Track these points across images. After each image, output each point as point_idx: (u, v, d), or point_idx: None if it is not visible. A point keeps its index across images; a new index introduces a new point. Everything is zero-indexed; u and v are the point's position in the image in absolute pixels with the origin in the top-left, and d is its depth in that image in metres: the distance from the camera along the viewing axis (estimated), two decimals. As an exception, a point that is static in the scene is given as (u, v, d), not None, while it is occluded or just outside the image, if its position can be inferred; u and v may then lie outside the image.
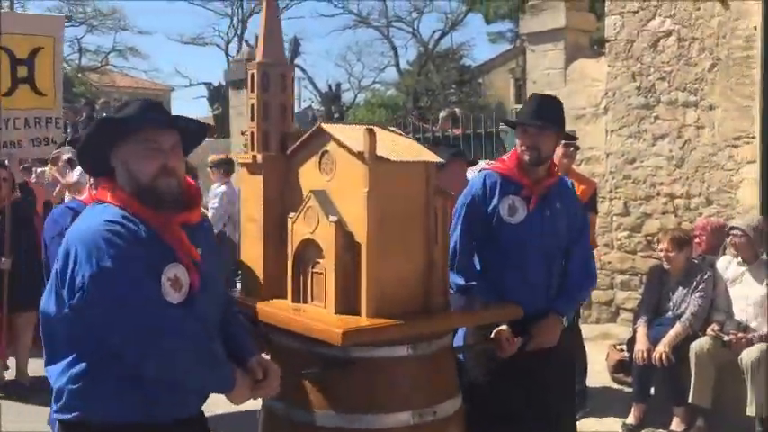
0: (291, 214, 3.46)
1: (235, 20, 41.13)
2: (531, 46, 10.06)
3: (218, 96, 27.54)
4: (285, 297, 3.52)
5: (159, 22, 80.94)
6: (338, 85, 36.34)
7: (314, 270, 3.39)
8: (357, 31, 39.46)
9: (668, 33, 8.71)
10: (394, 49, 40.14)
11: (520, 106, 16.78)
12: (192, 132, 2.96)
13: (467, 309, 3.76)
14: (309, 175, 3.49)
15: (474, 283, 3.94)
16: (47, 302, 2.76)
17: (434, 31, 39.27)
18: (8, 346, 7.16)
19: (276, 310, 3.44)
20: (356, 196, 3.22)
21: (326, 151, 3.40)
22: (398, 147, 3.38)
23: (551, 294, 4.12)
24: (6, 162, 6.85)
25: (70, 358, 2.71)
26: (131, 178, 2.78)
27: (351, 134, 3.35)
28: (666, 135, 8.74)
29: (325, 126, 3.41)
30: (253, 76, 3.61)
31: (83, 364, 2.69)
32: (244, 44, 35.94)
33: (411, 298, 3.33)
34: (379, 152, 3.19)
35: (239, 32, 40.79)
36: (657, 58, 8.81)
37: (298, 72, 35.54)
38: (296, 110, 5.17)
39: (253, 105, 3.61)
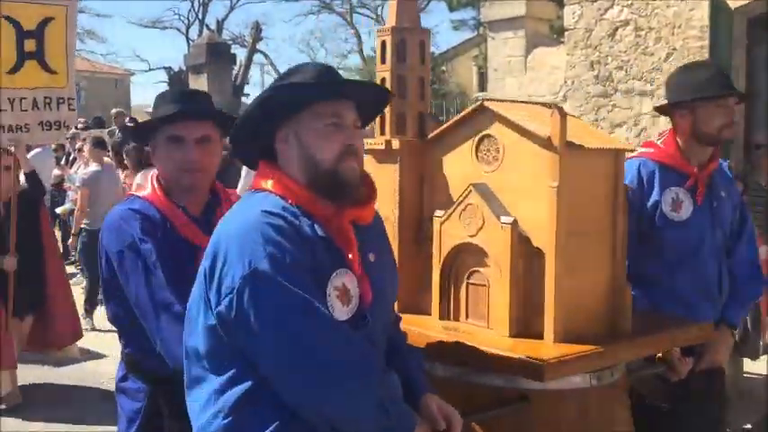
0: (438, 212, 2.52)
1: (195, 3, 37.31)
2: (492, 33, 9.28)
3: (178, 81, 24.92)
4: (423, 312, 2.60)
5: (117, 5, 73.98)
6: (301, 70, 34.11)
7: (470, 281, 2.47)
8: (321, 17, 36.64)
9: (626, 23, 8.16)
10: (358, 35, 37.07)
11: (482, 94, 15.80)
12: (367, 103, 2.11)
13: (657, 328, 2.69)
14: (460, 165, 2.53)
15: (633, 293, 2.94)
16: (195, 311, 1.95)
17: (398, 18, 37.13)
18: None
19: (420, 328, 2.48)
20: (535, 192, 2.32)
21: (488, 135, 2.46)
22: (582, 130, 2.50)
23: (720, 301, 3.21)
24: (12, 149, 5.42)
25: (217, 385, 1.91)
26: (307, 161, 1.97)
27: (521, 114, 2.46)
28: (624, 123, 8.25)
29: (489, 103, 2.47)
30: (384, 43, 2.61)
31: (231, 393, 1.89)
32: (204, 28, 33.63)
33: (597, 318, 2.44)
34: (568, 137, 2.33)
35: (200, 16, 37.13)
36: (615, 48, 8.23)
37: (261, 57, 33.26)
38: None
39: (383, 80, 2.62)
